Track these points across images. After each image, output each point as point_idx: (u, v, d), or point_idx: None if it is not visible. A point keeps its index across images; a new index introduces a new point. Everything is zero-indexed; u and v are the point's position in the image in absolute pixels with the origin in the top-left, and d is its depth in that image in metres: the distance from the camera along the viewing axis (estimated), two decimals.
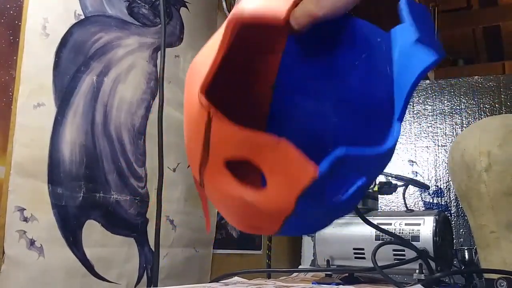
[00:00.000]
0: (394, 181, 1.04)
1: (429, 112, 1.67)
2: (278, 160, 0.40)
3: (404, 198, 1.08)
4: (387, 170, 0.93)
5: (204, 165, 0.44)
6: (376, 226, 0.88)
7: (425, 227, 0.92)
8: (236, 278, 0.99)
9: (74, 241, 0.90)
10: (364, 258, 0.93)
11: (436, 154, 1.64)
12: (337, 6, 0.47)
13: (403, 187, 1.05)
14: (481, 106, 1.64)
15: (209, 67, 0.43)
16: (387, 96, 0.47)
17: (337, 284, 0.89)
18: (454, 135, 1.63)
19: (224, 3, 1.40)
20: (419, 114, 1.68)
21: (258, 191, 0.42)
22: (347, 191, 0.44)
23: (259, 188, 0.42)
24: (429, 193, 1.61)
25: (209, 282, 1.09)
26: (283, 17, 0.42)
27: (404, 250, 0.90)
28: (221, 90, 0.47)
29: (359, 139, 0.53)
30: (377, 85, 0.50)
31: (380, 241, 0.89)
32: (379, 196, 1.05)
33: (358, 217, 0.86)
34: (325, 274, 0.96)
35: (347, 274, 0.94)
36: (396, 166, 1.62)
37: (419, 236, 0.91)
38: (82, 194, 0.92)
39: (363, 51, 0.51)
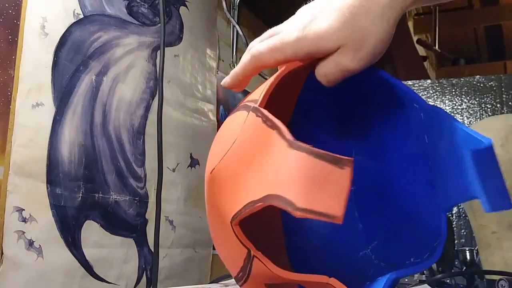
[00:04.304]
0: None
1: None
2: None
3: None
4: None
5: (244, 282, 0.46)
6: None
7: None
8: None
9: (73, 242, 0.90)
10: None
11: None
12: (375, 56, 0.44)
13: None
14: (483, 106, 1.63)
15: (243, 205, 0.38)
16: (423, 169, 0.46)
17: None
18: None
19: (224, 3, 1.39)
20: None
21: None
22: None
23: None
24: None
25: (209, 283, 1.09)
26: (339, 216, 0.34)
27: None
28: None
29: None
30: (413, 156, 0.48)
31: None
32: None
33: None
34: None
35: None
36: None
37: None
38: (81, 195, 0.92)
39: (396, 111, 0.49)
